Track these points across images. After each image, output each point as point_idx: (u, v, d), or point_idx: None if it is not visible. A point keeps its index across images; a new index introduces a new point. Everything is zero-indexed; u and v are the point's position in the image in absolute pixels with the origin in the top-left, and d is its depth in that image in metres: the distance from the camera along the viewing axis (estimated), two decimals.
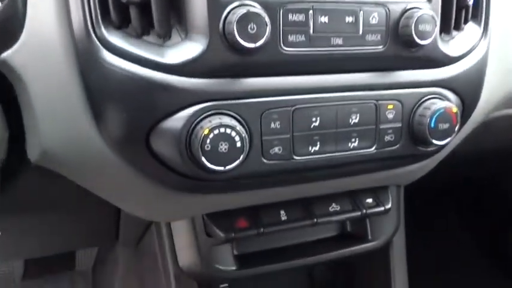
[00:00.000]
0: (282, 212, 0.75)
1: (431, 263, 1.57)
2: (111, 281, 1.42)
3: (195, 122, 0.54)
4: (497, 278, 1.71)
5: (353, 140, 0.64)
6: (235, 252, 0.79)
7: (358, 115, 0.63)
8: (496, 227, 1.71)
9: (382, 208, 0.80)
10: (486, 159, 1.18)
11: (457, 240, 1.77)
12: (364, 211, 0.78)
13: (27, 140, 0.59)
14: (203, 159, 0.54)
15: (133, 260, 1.30)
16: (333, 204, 0.78)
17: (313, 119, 0.61)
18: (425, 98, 0.66)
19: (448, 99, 0.68)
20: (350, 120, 0.63)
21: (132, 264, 1.33)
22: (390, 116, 0.65)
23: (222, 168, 0.55)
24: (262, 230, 0.72)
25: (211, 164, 0.54)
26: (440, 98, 0.67)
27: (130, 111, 0.54)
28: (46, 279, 1.55)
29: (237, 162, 0.55)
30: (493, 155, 1.13)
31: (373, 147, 0.65)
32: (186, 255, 0.74)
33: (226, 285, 0.92)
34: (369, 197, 0.81)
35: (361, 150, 0.65)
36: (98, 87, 0.54)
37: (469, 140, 0.86)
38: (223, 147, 0.54)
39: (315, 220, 0.75)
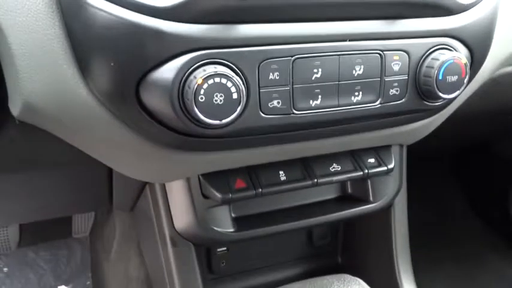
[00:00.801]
0: (281, 172, 0.72)
1: (426, 226, 1.56)
2: (108, 247, 1.41)
3: (188, 71, 0.50)
4: (490, 240, 1.72)
5: (356, 93, 0.60)
6: (233, 215, 0.76)
7: (362, 66, 0.59)
8: (491, 190, 1.70)
9: (384, 168, 0.77)
10: (488, 119, 1.15)
11: (453, 204, 1.77)
12: (366, 171, 0.75)
13: (9, 93, 0.56)
14: (197, 111, 0.50)
15: (130, 225, 1.29)
16: (334, 164, 0.75)
17: (315, 70, 0.57)
18: (434, 48, 0.62)
19: (457, 51, 0.64)
20: (353, 72, 0.59)
21: (128, 229, 1.32)
22: (396, 67, 0.61)
23: (217, 121, 0.51)
24: (260, 190, 0.69)
25: (205, 116, 0.50)
26: (449, 49, 0.63)
27: (117, 60, 0.50)
28: (43, 246, 1.54)
29: (234, 115, 0.52)
30: (496, 115, 1.10)
31: (378, 102, 0.62)
32: (181, 217, 0.71)
33: (224, 249, 0.90)
34: (371, 157, 0.78)
35: (365, 105, 0.61)
36: (81, 33, 0.50)
37: (475, 98, 0.83)
38: (219, 98, 0.51)
39: (315, 180, 0.72)
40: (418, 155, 1.05)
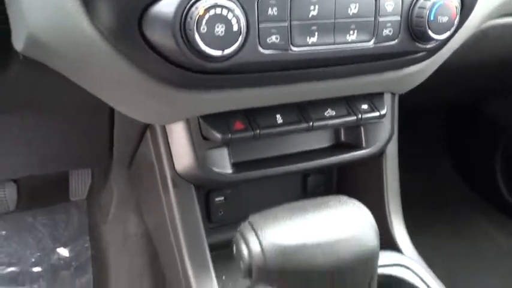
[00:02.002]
0: (278, 115, 0.74)
1: (413, 188, 1.61)
2: (105, 211, 1.44)
3: (190, 3, 0.52)
4: (478, 203, 1.78)
5: (351, 32, 0.63)
6: (232, 160, 0.79)
7: (357, 5, 0.62)
8: (478, 154, 1.75)
9: (377, 113, 0.79)
10: (476, 75, 1.18)
11: (441, 167, 1.82)
12: (360, 116, 0.78)
13: (13, 27, 0.57)
14: (199, 41, 0.52)
15: (127, 189, 1.31)
16: (329, 109, 0.77)
17: (311, 8, 0.59)
18: None
19: None
20: (349, 11, 0.61)
21: (126, 193, 1.34)
22: (389, 8, 0.64)
23: (219, 52, 0.53)
24: (258, 131, 0.71)
25: (207, 46, 0.52)
26: None
27: None
28: (41, 211, 1.56)
29: (235, 46, 0.54)
30: (484, 71, 1.13)
31: (371, 42, 0.64)
32: (182, 159, 0.73)
33: (222, 198, 0.93)
34: (364, 103, 0.80)
35: (360, 44, 0.64)
36: None
37: (464, 51, 0.86)
38: (220, 29, 0.52)
39: (311, 124, 0.74)
40: (409, 111, 1.08)
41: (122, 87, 0.63)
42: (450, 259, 1.48)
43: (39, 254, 1.48)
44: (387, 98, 0.84)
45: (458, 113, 1.73)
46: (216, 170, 0.74)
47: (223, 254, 0.80)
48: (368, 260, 0.48)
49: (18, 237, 1.52)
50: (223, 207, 0.93)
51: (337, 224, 0.49)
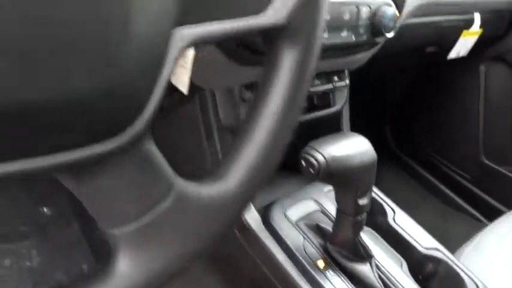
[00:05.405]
0: None
1: None
2: None
3: None
4: None
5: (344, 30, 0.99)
6: None
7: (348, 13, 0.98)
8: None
9: (344, 83, 1.19)
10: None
11: None
12: (334, 84, 1.17)
13: None
14: None
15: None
16: (316, 80, 1.14)
17: None
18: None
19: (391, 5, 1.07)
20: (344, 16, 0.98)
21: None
22: (364, 15, 1.02)
23: None
24: None
25: None
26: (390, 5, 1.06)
27: None
28: None
29: None
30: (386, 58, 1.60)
31: (353, 36, 1.02)
32: (226, 113, 1.03)
33: None
34: (334, 76, 1.19)
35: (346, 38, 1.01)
36: None
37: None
38: None
39: None
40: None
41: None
42: None
43: None
44: (347, 72, 1.24)
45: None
46: None
47: None
48: (367, 157, 0.87)
49: None
50: None
51: (358, 144, 0.87)
